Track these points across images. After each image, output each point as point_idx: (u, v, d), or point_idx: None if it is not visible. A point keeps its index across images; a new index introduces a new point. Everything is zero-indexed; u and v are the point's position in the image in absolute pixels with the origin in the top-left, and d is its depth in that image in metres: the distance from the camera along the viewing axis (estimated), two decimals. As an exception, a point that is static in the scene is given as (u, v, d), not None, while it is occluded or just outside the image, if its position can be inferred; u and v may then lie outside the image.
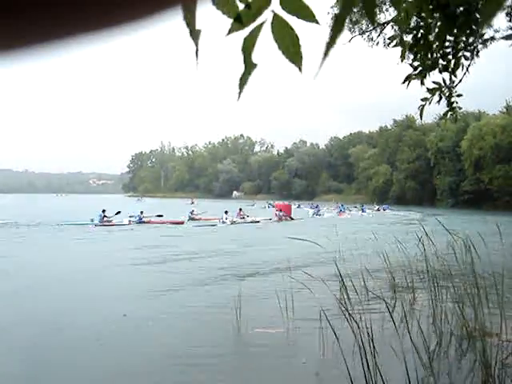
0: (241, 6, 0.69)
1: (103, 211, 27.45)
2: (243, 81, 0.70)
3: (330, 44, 0.62)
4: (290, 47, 0.67)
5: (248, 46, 0.68)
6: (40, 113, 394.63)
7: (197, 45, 0.64)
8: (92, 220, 26.85)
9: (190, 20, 0.58)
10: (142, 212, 29.53)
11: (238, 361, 6.10)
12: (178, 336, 6.86)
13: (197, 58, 0.65)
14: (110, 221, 27.23)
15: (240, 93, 0.70)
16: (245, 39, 0.67)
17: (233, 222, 29.73)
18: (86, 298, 9.04)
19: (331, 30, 0.62)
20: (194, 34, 0.63)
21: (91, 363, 5.76)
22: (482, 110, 73.75)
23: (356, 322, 4.42)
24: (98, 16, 0.39)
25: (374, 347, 4.24)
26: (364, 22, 10.63)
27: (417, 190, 78.68)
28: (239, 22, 0.68)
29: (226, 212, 30.28)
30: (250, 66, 0.69)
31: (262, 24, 0.66)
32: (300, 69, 0.68)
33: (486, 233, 6.45)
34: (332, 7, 11.26)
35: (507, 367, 4.81)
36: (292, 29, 0.66)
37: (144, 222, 28.38)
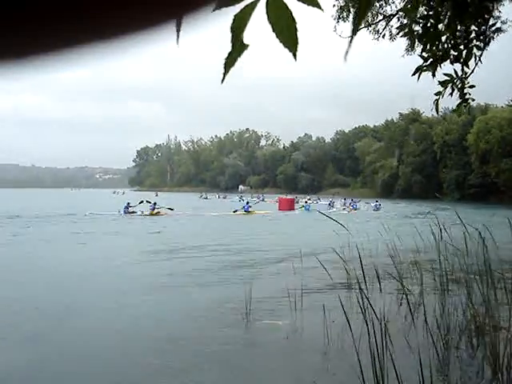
0: None
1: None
2: (230, 62, 0.64)
3: (359, 21, 0.58)
4: (285, 30, 0.61)
5: (238, 25, 0.62)
6: (46, 107, 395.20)
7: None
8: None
9: None
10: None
11: (246, 351, 6.11)
12: (187, 325, 6.89)
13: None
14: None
15: (225, 74, 0.65)
16: (235, 17, 0.61)
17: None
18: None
19: (358, 6, 0.59)
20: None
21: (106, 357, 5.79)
22: (489, 103, 73.30)
23: (367, 313, 4.39)
24: (105, 24, 0.39)
25: (385, 339, 4.21)
26: (370, 14, 10.53)
27: (423, 183, 78.31)
28: None
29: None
30: (239, 46, 0.64)
31: (255, 2, 0.60)
32: (294, 55, 0.62)
33: (495, 226, 6.40)
34: (337, 0, 11.15)
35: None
36: (289, 10, 0.61)
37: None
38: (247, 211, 34.16)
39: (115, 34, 0.40)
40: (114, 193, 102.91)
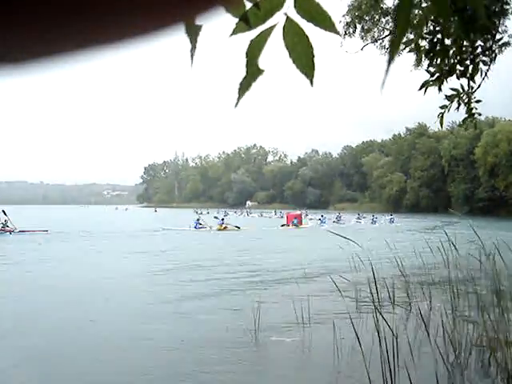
0: (248, 5, 0.59)
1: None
2: (244, 87, 0.63)
3: (390, 60, 0.58)
4: (302, 56, 0.60)
5: (253, 50, 0.61)
6: (55, 125, 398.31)
7: (194, 42, 0.55)
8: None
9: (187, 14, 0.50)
10: None
11: (255, 368, 6.05)
12: (195, 343, 6.83)
13: (192, 57, 0.58)
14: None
15: (239, 99, 0.64)
16: (251, 42, 0.61)
17: None
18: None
19: (389, 48, 0.59)
20: (192, 30, 0.54)
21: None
22: (496, 116, 73.08)
23: (378, 331, 4.35)
24: (107, 28, 0.36)
25: (395, 356, 4.16)
26: (376, 29, 10.59)
27: (431, 197, 78.18)
28: (245, 22, 0.60)
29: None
30: (254, 71, 0.62)
31: (272, 27, 0.60)
32: (311, 81, 0.61)
33: (504, 240, 6.34)
34: (344, 16, 11.20)
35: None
36: (306, 36, 0.60)
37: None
38: (296, 225, 37.55)
39: (119, 40, 0.37)
40: (116, 209, 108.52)
